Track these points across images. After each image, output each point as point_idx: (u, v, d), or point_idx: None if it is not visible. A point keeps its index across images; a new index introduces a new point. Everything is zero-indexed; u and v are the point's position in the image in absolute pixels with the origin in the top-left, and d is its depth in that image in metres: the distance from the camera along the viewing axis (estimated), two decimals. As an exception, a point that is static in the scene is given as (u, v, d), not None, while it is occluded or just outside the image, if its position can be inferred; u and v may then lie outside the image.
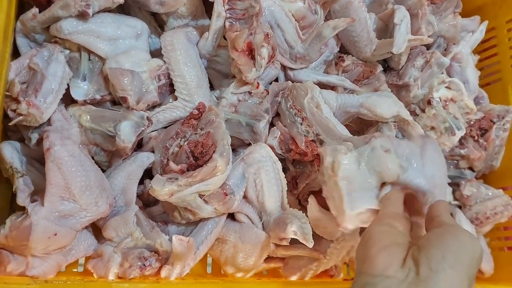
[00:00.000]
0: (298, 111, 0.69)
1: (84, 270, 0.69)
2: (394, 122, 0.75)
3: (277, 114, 0.74)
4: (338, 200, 0.52)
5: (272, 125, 0.73)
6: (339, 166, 0.51)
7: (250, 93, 0.73)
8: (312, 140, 0.68)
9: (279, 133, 0.70)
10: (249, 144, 0.72)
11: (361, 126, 0.79)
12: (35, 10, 0.64)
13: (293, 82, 0.77)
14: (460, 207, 0.88)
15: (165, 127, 0.71)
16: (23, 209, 0.60)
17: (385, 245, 0.45)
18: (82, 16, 0.64)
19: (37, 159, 0.66)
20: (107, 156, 0.68)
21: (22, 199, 0.58)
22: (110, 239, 0.65)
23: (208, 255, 0.74)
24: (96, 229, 0.67)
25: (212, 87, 0.76)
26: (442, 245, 0.42)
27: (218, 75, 0.77)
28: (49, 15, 0.64)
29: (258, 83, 0.73)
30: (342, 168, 0.51)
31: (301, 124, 0.69)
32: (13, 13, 0.61)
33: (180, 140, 0.66)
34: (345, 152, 0.52)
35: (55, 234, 0.58)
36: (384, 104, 0.73)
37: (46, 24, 0.66)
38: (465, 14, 0.95)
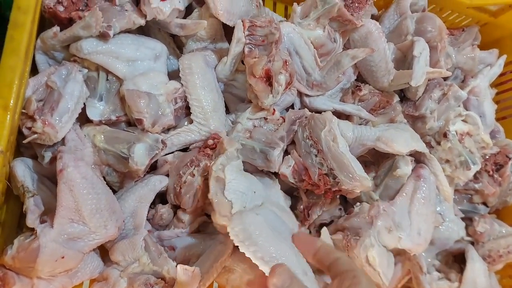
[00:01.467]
0: (315, 142, 0.69)
1: (88, 292, 0.68)
2: (411, 155, 0.74)
3: (293, 142, 0.73)
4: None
5: (286, 152, 0.73)
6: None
7: (265, 119, 0.72)
8: (326, 174, 0.67)
9: (293, 162, 0.69)
10: (262, 171, 0.72)
11: (376, 157, 0.78)
12: (56, 28, 0.64)
13: (309, 109, 0.77)
14: (472, 243, 0.86)
15: (182, 150, 0.71)
16: (31, 229, 0.59)
17: None
18: (103, 37, 0.64)
19: (48, 177, 0.66)
20: (119, 177, 0.67)
21: (31, 220, 0.57)
22: (117, 262, 0.64)
23: (214, 281, 0.73)
24: (103, 250, 0.66)
25: (228, 111, 0.75)
26: None
27: (234, 99, 0.76)
28: (70, 34, 0.64)
29: (274, 109, 0.72)
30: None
31: (316, 156, 0.68)
32: (35, 32, 0.60)
33: (194, 169, 0.66)
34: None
35: (63, 257, 0.57)
36: (401, 139, 0.72)
37: (66, 43, 0.66)
38: (483, 46, 0.95)
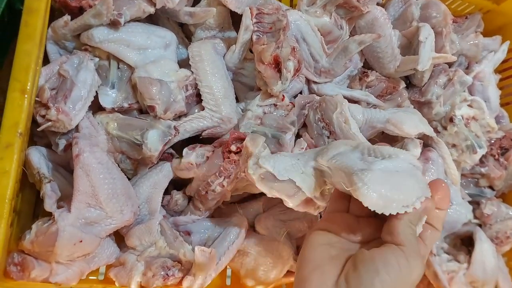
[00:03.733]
0: (326, 124, 0.70)
1: (104, 278, 0.69)
2: (419, 138, 0.75)
3: (304, 125, 0.74)
4: None
5: (298, 136, 0.73)
6: None
7: (275, 105, 0.73)
8: (338, 154, 0.68)
9: (306, 145, 0.70)
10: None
11: (386, 140, 0.79)
12: (67, 17, 0.65)
13: (317, 96, 0.78)
14: (480, 225, 0.87)
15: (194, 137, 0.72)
16: (47, 214, 0.60)
17: (317, 264, 0.43)
18: (114, 25, 0.65)
19: (63, 165, 0.66)
20: (133, 164, 0.68)
21: (49, 204, 0.58)
22: (134, 247, 0.65)
23: (227, 266, 0.73)
24: (118, 237, 0.67)
25: (237, 99, 0.76)
26: (373, 271, 0.39)
27: (243, 87, 0.77)
28: (80, 23, 0.65)
29: (283, 95, 0.73)
30: None
31: (328, 137, 0.69)
32: (47, 19, 0.61)
33: (224, 180, 0.66)
34: None
35: (81, 241, 0.58)
36: (410, 121, 0.73)
37: (77, 32, 0.66)
38: (486, 33, 0.96)
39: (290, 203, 0.51)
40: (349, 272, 0.41)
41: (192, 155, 0.66)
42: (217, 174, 0.65)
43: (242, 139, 0.64)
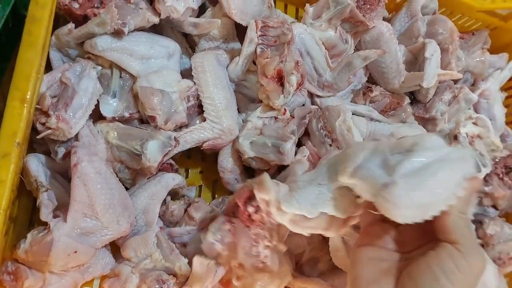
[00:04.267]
0: (329, 132, 0.69)
1: (99, 289, 0.68)
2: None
3: (306, 133, 0.73)
4: None
5: (300, 144, 0.73)
6: None
7: (276, 118, 0.72)
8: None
9: (308, 153, 0.70)
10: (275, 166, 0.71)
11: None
12: (71, 25, 0.65)
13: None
14: (482, 245, 0.85)
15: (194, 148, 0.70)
16: (44, 223, 0.59)
17: (373, 279, 0.41)
18: (118, 34, 0.64)
19: (61, 173, 0.66)
20: (131, 174, 0.67)
21: (45, 214, 0.57)
22: (129, 259, 0.64)
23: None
24: (114, 247, 0.66)
25: (238, 111, 0.75)
26: (432, 278, 0.37)
27: (245, 99, 0.76)
28: (84, 31, 0.64)
29: (285, 109, 0.73)
30: None
31: (331, 145, 0.69)
32: (51, 28, 0.61)
33: (264, 243, 0.57)
34: None
35: (75, 252, 0.57)
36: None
37: (80, 40, 0.66)
38: (493, 51, 0.95)
39: (329, 234, 0.48)
40: (406, 283, 0.39)
41: (214, 245, 0.58)
42: (253, 244, 0.58)
43: (251, 194, 0.55)
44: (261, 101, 0.73)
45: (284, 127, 0.71)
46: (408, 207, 0.38)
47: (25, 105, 0.53)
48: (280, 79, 0.67)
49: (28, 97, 0.53)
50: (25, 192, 0.65)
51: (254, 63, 0.72)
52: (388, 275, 0.41)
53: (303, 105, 0.79)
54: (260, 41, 0.70)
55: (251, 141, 0.71)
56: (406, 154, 0.42)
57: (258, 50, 0.70)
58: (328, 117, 0.71)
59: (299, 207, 0.45)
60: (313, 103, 0.80)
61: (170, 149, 0.65)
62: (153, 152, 0.64)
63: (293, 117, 0.73)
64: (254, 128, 0.71)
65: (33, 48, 0.54)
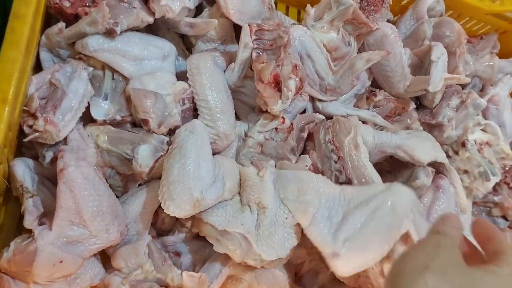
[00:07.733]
0: (336, 148, 0.66)
1: (87, 300, 0.65)
2: (429, 164, 0.71)
3: (311, 139, 0.71)
4: None
5: (305, 149, 0.71)
6: None
7: (276, 129, 0.69)
8: (341, 183, 0.64)
9: (310, 162, 0.67)
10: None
11: (394, 166, 0.75)
12: (61, 24, 0.63)
13: (321, 115, 0.74)
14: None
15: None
16: (30, 231, 0.56)
17: None
18: (109, 34, 0.62)
19: (49, 178, 0.63)
20: (122, 180, 0.64)
21: (29, 221, 0.55)
22: (119, 269, 0.61)
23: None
24: (104, 256, 0.63)
25: (237, 118, 0.72)
26: None
27: (244, 106, 0.74)
28: (75, 30, 0.62)
29: (283, 117, 0.70)
30: None
31: (336, 162, 0.65)
32: (38, 27, 0.59)
33: None
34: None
35: (61, 261, 0.54)
36: (422, 148, 0.69)
37: (71, 40, 0.64)
38: (502, 55, 0.93)
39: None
40: None
41: None
42: None
43: None
44: (260, 109, 0.70)
45: (284, 143, 0.68)
46: (352, 270, 0.54)
47: (7, 106, 0.51)
48: (277, 84, 0.64)
49: (10, 97, 0.51)
50: (12, 198, 0.63)
51: (252, 69, 0.69)
52: None
53: (305, 109, 0.76)
54: (256, 45, 0.67)
55: (252, 161, 0.68)
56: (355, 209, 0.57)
57: (254, 54, 0.67)
58: (337, 130, 0.67)
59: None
60: (314, 107, 0.77)
61: (162, 153, 0.61)
62: (145, 156, 0.61)
63: (293, 126, 0.70)
64: (255, 145, 0.69)
65: (16, 47, 0.52)
